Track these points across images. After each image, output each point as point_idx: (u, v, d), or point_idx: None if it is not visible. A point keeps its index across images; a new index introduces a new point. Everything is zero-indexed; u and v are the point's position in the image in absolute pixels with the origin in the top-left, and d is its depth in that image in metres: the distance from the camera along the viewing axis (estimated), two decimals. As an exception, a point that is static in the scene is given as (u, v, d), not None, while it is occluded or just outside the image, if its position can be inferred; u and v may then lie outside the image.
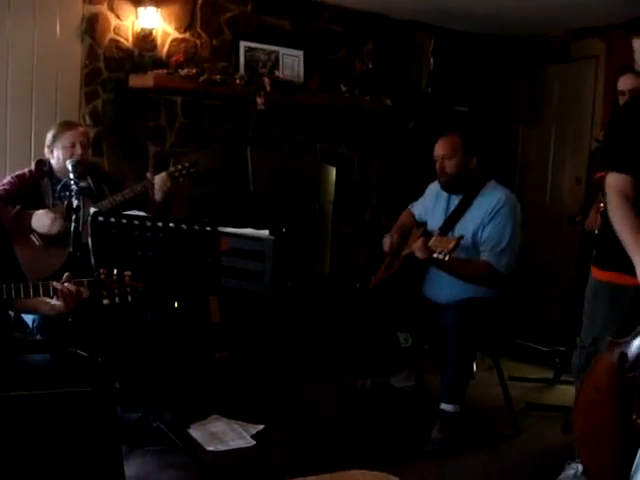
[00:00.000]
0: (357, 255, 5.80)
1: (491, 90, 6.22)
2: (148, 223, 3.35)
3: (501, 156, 6.10)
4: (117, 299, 2.74)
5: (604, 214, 3.65)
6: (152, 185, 3.98)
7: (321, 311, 5.03)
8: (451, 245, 3.49)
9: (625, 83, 3.76)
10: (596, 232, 3.84)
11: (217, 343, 4.58)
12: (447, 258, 3.49)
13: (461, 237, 3.56)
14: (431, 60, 5.82)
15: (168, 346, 3.96)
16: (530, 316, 5.29)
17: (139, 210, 3.61)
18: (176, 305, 4.32)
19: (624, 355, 2.57)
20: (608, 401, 2.62)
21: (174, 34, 4.94)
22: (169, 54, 4.90)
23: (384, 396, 4.19)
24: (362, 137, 5.74)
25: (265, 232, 3.55)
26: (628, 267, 2.71)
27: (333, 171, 5.62)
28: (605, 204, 3.65)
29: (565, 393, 4.59)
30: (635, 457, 2.44)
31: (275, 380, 4.45)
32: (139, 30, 4.79)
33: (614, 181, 2.81)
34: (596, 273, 3.03)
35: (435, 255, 3.54)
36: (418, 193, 4.46)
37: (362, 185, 5.83)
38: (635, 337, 2.57)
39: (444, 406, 3.72)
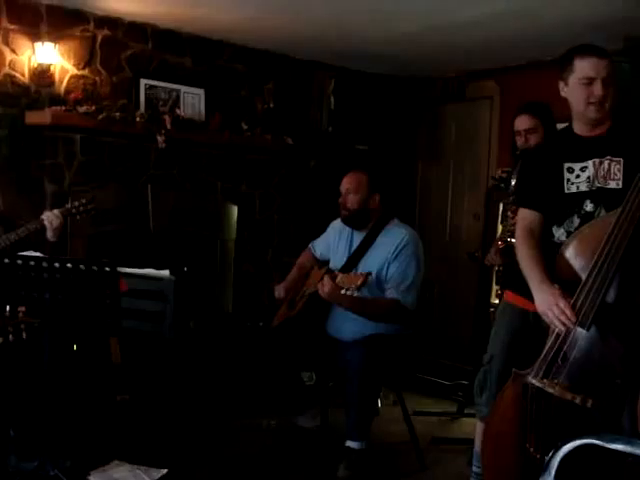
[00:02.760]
0: (260, 294, 5.77)
1: (390, 129, 6.37)
2: (45, 264, 3.26)
3: (401, 193, 6.21)
4: (11, 337, 2.65)
5: (504, 251, 3.80)
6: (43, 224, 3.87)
7: (224, 351, 4.96)
8: (359, 281, 3.49)
9: (521, 123, 3.88)
10: (497, 268, 3.96)
11: (118, 385, 4.44)
12: (356, 294, 3.50)
13: (369, 273, 3.57)
14: (331, 99, 5.91)
15: (66, 389, 3.82)
16: (432, 350, 5.37)
17: (36, 251, 3.50)
18: (75, 347, 4.19)
19: (527, 386, 2.65)
20: (512, 431, 2.69)
21: (73, 70, 4.86)
22: (67, 91, 4.81)
23: (290, 436, 4.15)
24: (264, 175, 5.75)
25: (165, 272, 3.49)
26: (530, 293, 2.82)
27: (235, 209, 5.59)
28: (503, 242, 3.81)
29: (469, 426, 4.64)
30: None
31: (178, 422, 4.35)
32: (36, 65, 4.67)
33: (522, 216, 2.98)
34: (506, 296, 3.18)
35: (343, 291, 3.54)
36: (320, 231, 4.50)
37: (264, 223, 5.83)
38: (537, 368, 2.64)
39: (350, 443, 3.71)
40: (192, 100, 5.29)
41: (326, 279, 3.70)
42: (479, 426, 3.24)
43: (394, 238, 3.98)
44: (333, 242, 4.26)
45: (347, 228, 4.16)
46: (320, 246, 4.37)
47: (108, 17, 4.96)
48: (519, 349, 2.90)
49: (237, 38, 5.45)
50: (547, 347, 2.63)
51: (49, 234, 3.86)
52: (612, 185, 2.79)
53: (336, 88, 5.93)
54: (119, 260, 3.37)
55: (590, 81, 2.75)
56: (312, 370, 4.34)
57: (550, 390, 2.51)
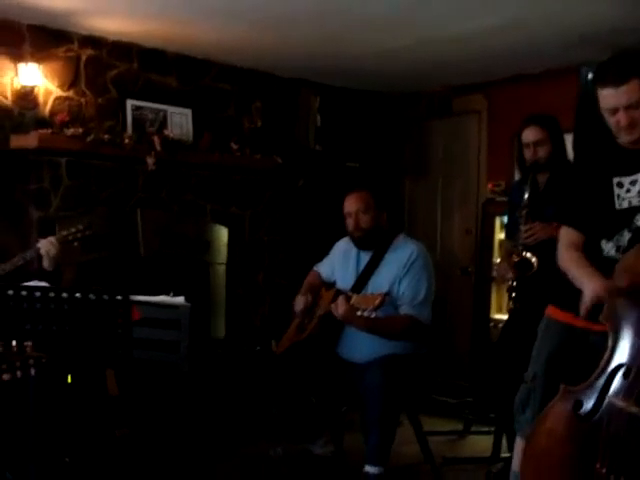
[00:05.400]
0: (252, 317, 5.63)
1: (377, 146, 6.31)
2: (51, 294, 3.10)
3: (389, 210, 6.13)
4: (19, 373, 2.51)
5: (518, 265, 3.75)
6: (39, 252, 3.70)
7: (223, 377, 4.82)
8: (377, 302, 3.36)
9: (530, 135, 3.83)
10: (510, 283, 3.89)
11: (117, 419, 4.26)
12: (373, 315, 3.38)
13: (387, 293, 3.46)
14: (318, 117, 5.83)
15: (68, 424, 3.65)
16: (434, 369, 5.28)
17: (40, 280, 3.33)
18: (71, 380, 4.00)
19: (579, 403, 2.58)
20: (562, 447, 2.60)
21: (57, 92, 4.70)
22: (52, 113, 4.64)
23: (304, 464, 4.01)
24: (253, 196, 5.62)
25: (181, 299, 3.33)
26: (579, 308, 2.74)
27: (225, 232, 5.45)
28: (518, 256, 3.76)
29: (478, 444, 4.60)
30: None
31: (182, 454, 4.19)
32: (19, 87, 4.51)
33: (565, 233, 2.89)
34: (550, 310, 3.05)
35: (359, 313, 3.42)
36: (312, 251, 4.40)
37: (254, 245, 5.68)
38: (591, 385, 2.57)
39: (369, 468, 3.57)
40: (179, 120, 5.15)
41: (341, 300, 3.57)
42: (519, 444, 3.14)
43: (403, 254, 3.88)
44: (338, 263, 4.14)
45: (353, 248, 4.04)
46: (325, 268, 4.23)
47: (92, 37, 4.83)
48: (564, 366, 2.82)
49: (222, 57, 5.35)
50: (607, 363, 2.55)
51: (45, 263, 3.69)
52: None
53: (322, 106, 5.86)
54: (131, 288, 3.22)
55: (614, 111, 2.68)
56: (324, 394, 4.19)
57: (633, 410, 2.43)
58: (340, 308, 3.56)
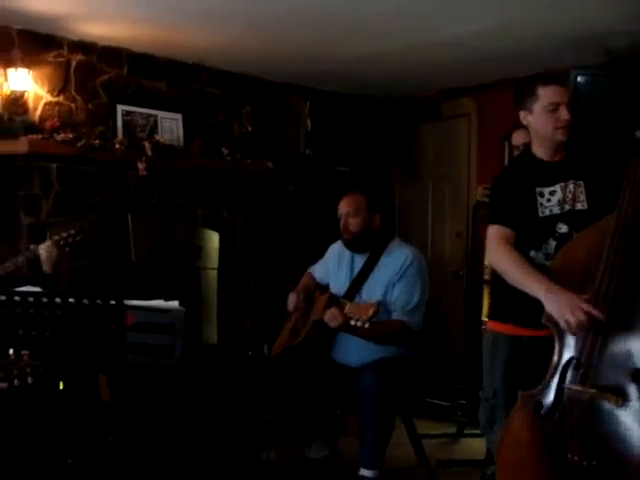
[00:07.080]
0: (244, 322, 5.61)
1: (369, 149, 6.32)
2: (44, 299, 3.08)
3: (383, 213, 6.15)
4: (16, 381, 2.51)
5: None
6: (37, 256, 3.69)
7: (216, 382, 4.80)
8: (370, 312, 3.37)
9: (518, 138, 3.93)
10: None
11: (110, 425, 4.23)
12: (367, 326, 3.38)
13: (379, 303, 3.48)
14: (308, 122, 5.84)
15: (58, 430, 3.62)
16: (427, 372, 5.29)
17: (34, 285, 3.31)
18: (63, 386, 3.98)
19: (539, 404, 2.63)
20: (533, 452, 2.63)
21: (47, 97, 4.69)
22: (42, 118, 4.63)
23: (298, 468, 4.00)
24: (244, 201, 5.61)
25: (174, 303, 3.31)
26: (522, 319, 2.92)
27: (216, 237, 5.43)
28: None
29: (472, 446, 4.60)
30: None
31: (175, 461, 4.17)
32: (9, 93, 4.50)
33: (495, 231, 2.98)
34: (493, 325, 3.15)
35: (353, 323, 3.42)
36: (303, 255, 4.38)
37: (245, 250, 5.67)
38: (547, 384, 2.63)
39: (364, 472, 3.57)
40: (170, 125, 5.14)
41: (334, 310, 3.58)
42: None
43: (398, 258, 3.88)
44: (333, 266, 4.13)
45: (347, 251, 4.04)
46: (319, 271, 4.23)
47: (82, 42, 4.82)
48: (520, 376, 2.89)
49: (212, 61, 5.35)
50: (559, 360, 2.62)
51: (45, 266, 3.71)
52: (579, 207, 2.90)
53: (312, 110, 5.87)
54: (122, 294, 3.20)
55: (556, 107, 2.84)
56: (318, 398, 4.17)
57: (590, 391, 2.50)
58: (334, 319, 3.57)
